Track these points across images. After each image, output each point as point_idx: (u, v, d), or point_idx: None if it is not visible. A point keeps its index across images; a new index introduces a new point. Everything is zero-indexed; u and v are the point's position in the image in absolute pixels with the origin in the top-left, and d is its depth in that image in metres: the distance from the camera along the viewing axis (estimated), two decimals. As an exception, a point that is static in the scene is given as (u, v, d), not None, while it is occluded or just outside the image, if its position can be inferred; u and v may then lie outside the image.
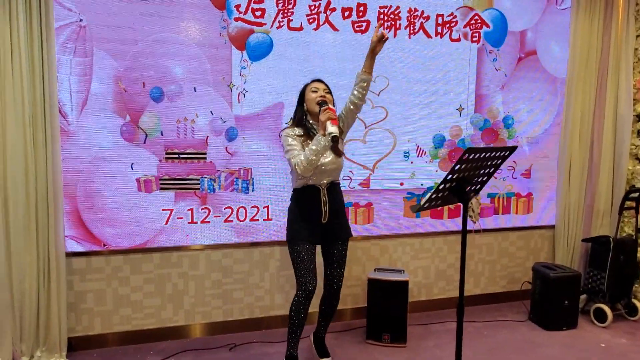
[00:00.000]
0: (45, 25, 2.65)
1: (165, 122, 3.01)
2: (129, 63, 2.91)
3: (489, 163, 2.07)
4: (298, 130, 2.57)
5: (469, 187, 2.09)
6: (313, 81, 2.63)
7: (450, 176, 1.92)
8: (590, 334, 3.35)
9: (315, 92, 2.56)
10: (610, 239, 3.51)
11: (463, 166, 1.92)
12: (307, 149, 2.42)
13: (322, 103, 2.47)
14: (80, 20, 2.79)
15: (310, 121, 2.61)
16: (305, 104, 2.61)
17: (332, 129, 2.35)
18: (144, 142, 2.99)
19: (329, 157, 2.52)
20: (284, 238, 3.28)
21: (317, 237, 2.61)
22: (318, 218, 2.57)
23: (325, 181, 2.57)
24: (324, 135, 2.37)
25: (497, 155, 2.05)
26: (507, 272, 3.95)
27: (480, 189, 2.27)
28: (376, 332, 3.15)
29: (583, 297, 3.64)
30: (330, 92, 2.62)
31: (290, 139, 2.51)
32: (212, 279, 3.23)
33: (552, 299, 3.39)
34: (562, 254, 3.93)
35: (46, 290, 2.81)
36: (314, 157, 2.38)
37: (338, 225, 2.65)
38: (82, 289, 2.99)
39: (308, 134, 2.55)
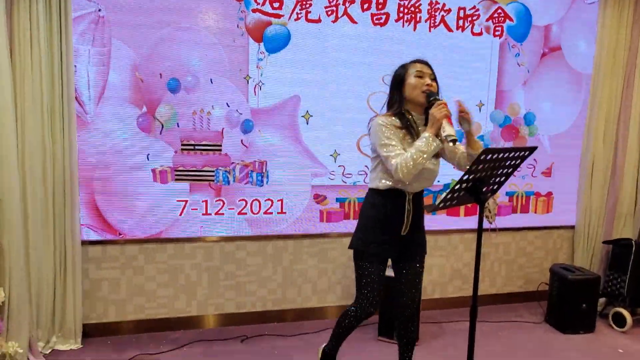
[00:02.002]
0: (64, 14, 2.66)
1: (182, 113, 3.01)
2: (146, 53, 2.91)
3: (507, 163, 2.01)
4: (396, 121, 2.11)
5: (485, 188, 2.04)
6: (415, 61, 2.15)
7: (466, 176, 1.87)
8: (608, 338, 3.27)
9: (421, 77, 2.09)
10: (633, 241, 3.42)
11: (480, 166, 1.86)
12: (413, 149, 1.99)
13: (430, 94, 2.06)
14: (99, 10, 2.80)
15: (412, 114, 2.15)
16: (403, 90, 2.13)
17: (450, 130, 1.95)
18: (160, 133, 3.00)
19: (429, 160, 2.07)
20: (298, 231, 3.31)
21: (393, 252, 2.21)
22: (398, 229, 2.17)
23: (416, 188, 2.16)
24: (433, 133, 1.98)
25: (515, 155, 1.99)
26: (524, 272, 3.88)
27: (498, 189, 2.22)
28: (388, 329, 3.12)
29: (602, 300, 3.56)
30: (436, 79, 2.16)
31: (387, 131, 2.06)
32: (225, 270, 3.24)
33: (569, 302, 3.32)
34: (582, 256, 3.83)
35: (62, 278, 2.85)
36: (421, 161, 1.98)
37: (418, 239, 2.26)
38: (97, 277, 3.03)
39: (407, 128, 2.10)
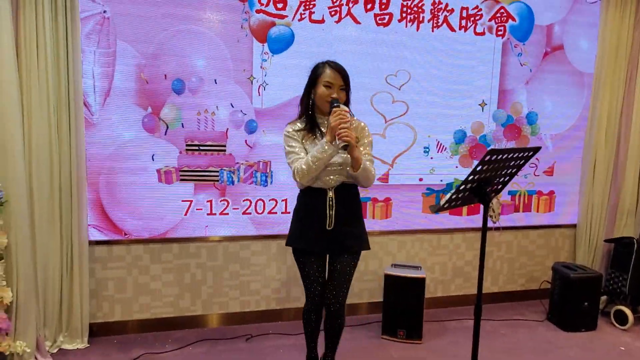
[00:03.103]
0: (70, 16, 2.67)
1: (186, 114, 3.03)
2: (150, 54, 2.92)
3: (512, 164, 2.03)
4: (299, 124, 2.25)
5: (489, 188, 2.06)
6: (328, 67, 2.19)
7: (471, 177, 1.89)
8: (610, 336, 3.29)
9: (329, 87, 2.16)
10: (635, 240, 3.44)
11: (485, 167, 1.88)
12: (309, 154, 2.12)
13: (333, 101, 2.14)
14: (104, 11, 2.81)
15: (318, 120, 2.26)
16: (314, 95, 2.22)
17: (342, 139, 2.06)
18: (165, 134, 3.02)
19: (329, 150, 2.13)
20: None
21: (322, 246, 2.27)
22: (322, 224, 2.22)
23: (332, 181, 2.22)
24: (330, 141, 2.06)
25: (520, 156, 2.02)
26: (526, 270, 3.90)
27: (502, 189, 2.24)
28: (391, 327, 3.15)
29: (603, 298, 3.58)
30: (347, 87, 2.22)
31: (290, 140, 2.22)
32: (230, 270, 3.26)
33: (571, 300, 3.34)
34: (583, 254, 3.85)
35: (69, 277, 2.88)
36: (314, 166, 2.10)
37: (351, 233, 2.28)
38: (104, 277, 3.05)
39: (311, 128, 2.23)
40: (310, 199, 2.25)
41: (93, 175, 2.94)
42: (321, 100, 2.19)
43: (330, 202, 2.21)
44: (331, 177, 2.22)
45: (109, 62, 2.87)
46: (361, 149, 2.23)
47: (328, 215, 2.21)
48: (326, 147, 2.08)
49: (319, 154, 2.09)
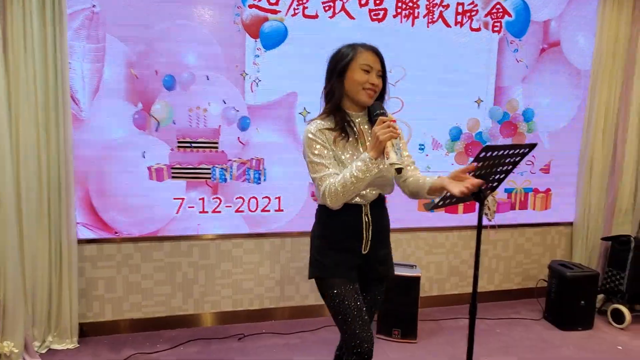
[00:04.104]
0: (58, 11, 2.62)
1: (178, 111, 2.98)
2: (141, 50, 2.87)
3: (507, 160, 1.99)
4: (327, 123, 1.76)
5: (485, 185, 2.02)
6: (365, 48, 1.77)
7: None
8: (607, 335, 3.26)
9: (368, 71, 1.73)
10: (632, 238, 3.41)
11: (480, 164, 1.84)
12: (347, 171, 1.63)
13: (375, 107, 1.71)
14: (93, 6, 2.76)
15: (351, 117, 1.79)
16: (344, 82, 1.75)
17: (394, 156, 1.57)
18: (156, 130, 2.97)
19: (375, 169, 1.66)
20: (296, 229, 3.28)
21: (354, 273, 1.81)
22: (357, 247, 1.79)
23: (370, 194, 1.79)
24: (375, 157, 1.60)
25: (515, 152, 1.97)
26: (522, 268, 3.87)
27: (497, 186, 2.20)
28: (386, 327, 3.11)
29: (600, 297, 3.55)
30: (384, 75, 1.79)
31: (317, 145, 1.71)
32: (222, 268, 3.22)
33: (568, 299, 3.31)
34: (580, 252, 3.82)
35: (58, 276, 2.83)
36: (353, 188, 1.63)
37: (382, 258, 1.88)
38: (93, 276, 3.01)
39: (342, 128, 1.74)
40: (341, 217, 1.77)
41: (82, 172, 2.89)
42: (356, 88, 1.73)
43: (367, 220, 1.79)
44: (371, 192, 1.79)
45: (98, 58, 2.81)
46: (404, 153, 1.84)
47: (364, 236, 1.79)
48: (370, 166, 1.60)
49: (360, 174, 1.61)
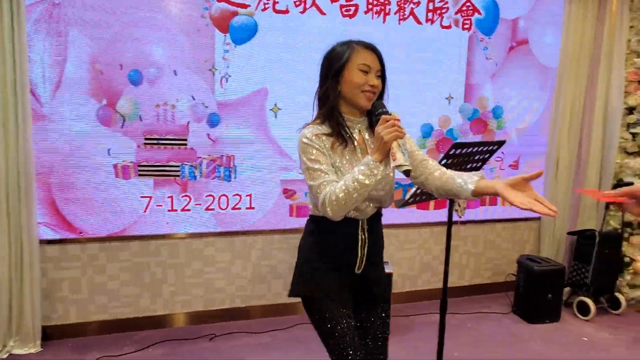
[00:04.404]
0: (15, 1, 2.51)
1: (144, 107, 2.90)
2: (105, 44, 2.78)
3: (477, 157, 2.01)
4: (323, 128, 1.59)
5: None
6: (361, 47, 1.62)
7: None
8: (573, 327, 3.34)
9: (367, 72, 1.58)
10: (596, 232, 3.49)
11: (450, 161, 1.85)
12: (349, 177, 1.47)
13: (377, 106, 1.57)
14: (54, -3, 2.66)
15: (347, 121, 1.62)
16: (341, 84, 1.59)
17: (401, 157, 1.43)
18: (122, 127, 2.88)
19: (380, 174, 1.49)
20: (267, 227, 3.25)
21: (346, 294, 1.66)
22: (351, 265, 1.64)
23: (369, 209, 1.64)
24: (380, 160, 1.46)
25: (485, 149, 1.99)
26: (492, 264, 3.93)
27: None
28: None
29: (566, 289, 3.64)
30: (383, 75, 1.65)
31: (313, 151, 1.54)
32: (193, 268, 3.16)
33: (536, 292, 3.37)
34: (548, 247, 3.91)
35: (19, 278, 2.73)
36: (357, 195, 1.46)
37: (376, 278, 1.72)
38: (57, 277, 2.91)
39: (338, 133, 1.59)
40: (335, 231, 1.61)
41: (44, 170, 2.78)
42: (354, 91, 1.57)
43: (363, 237, 1.63)
44: (370, 207, 1.63)
45: (59, 51, 2.71)
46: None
47: (360, 254, 1.63)
48: (375, 169, 1.45)
49: (365, 178, 1.45)
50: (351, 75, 1.57)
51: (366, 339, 1.71)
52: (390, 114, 1.51)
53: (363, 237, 1.62)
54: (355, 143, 1.61)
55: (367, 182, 1.45)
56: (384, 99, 1.66)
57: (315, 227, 1.67)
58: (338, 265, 1.64)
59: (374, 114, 1.56)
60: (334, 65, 1.59)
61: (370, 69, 1.58)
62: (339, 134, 1.58)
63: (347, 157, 1.58)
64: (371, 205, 1.63)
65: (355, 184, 1.44)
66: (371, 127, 1.64)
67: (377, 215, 1.68)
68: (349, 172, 1.52)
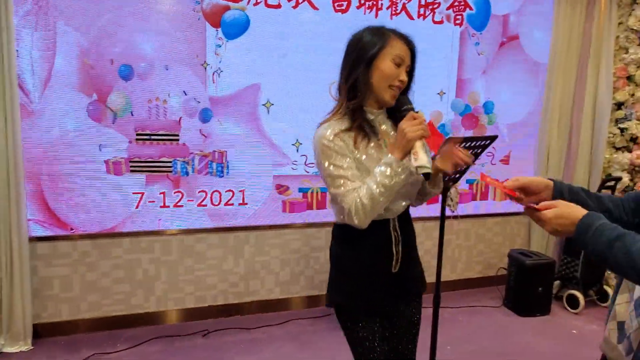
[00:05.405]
0: (3, -5, 2.47)
1: (136, 102, 2.87)
2: (95, 38, 2.74)
3: (470, 152, 2.02)
4: (343, 123, 1.48)
5: (447, 177, 2.04)
6: (396, 35, 1.48)
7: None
8: (562, 320, 3.39)
9: (399, 64, 1.46)
10: (585, 226, 3.53)
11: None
12: (372, 181, 1.38)
13: (402, 101, 1.48)
14: (42, -10, 2.61)
15: (369, 115, 1.51)
16: (371, 74, 1.45)
17: (423, 157, 1.34)
18: (113, 122, 2.85)
19: (404, 173, 1.42)
20: (260, 223, 3.24)
21: (386, 298, 1.59)
22: (387, 266, 1.56)
23: (399, 206, 1.56)
24: (400, 157, 1.37)
25: (477, 144, 2.00)
26: (483, 257, 3.97)
27: (460, 178, 2.23)
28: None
29: (556, 283, 3.68)
30: (412, 71, 1.55)
31: (333, 154, 1.43)
32: (185, 264, 3.14)
33: (526, 286, 3.41)
34: (538, 241, 3.95)
35: (8, 276, 2.69)
36: (382, 199, 1.39)
37: (414, 273, 1.68)
38: (48, 275, 2.88)
39: (359, 126, 1.47)
40: (367, 235, 1.50)
41: (35, 166, 2.74)
42: (382, 83, 1.45)
43: (396, 235, 1.55)
44: (400, 204, 1.55)
45: (49, 46, 2.67)
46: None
47: (394, 252, 1.55)
48: (398, 169, 1.37)
49: (387, 180, 1.37)
50: (384, 64, 1.44)
51: (395, 331, 1.67)
52: (416, 111, 1.43)
53: (396, 235, 1.55)
54: (379, 137, 1.51)
55: (390, 183, 1.37)
56: (407, 94, 1.55)
57: (344, 234, 1.57)
58: (375, 269, 1.55)
59: (399, 110, 1.47)
60: (367, 52, 1.44)
61: (403, 62, 1.46)
62: (362, 128, 1.46)
63: (371, 153, 1.47)
64: (403, 203, 1.56)
65: (380, 188, 1.37)
66: (394, 122, 1.56)
67: (407, 211, 1.61)
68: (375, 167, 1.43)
